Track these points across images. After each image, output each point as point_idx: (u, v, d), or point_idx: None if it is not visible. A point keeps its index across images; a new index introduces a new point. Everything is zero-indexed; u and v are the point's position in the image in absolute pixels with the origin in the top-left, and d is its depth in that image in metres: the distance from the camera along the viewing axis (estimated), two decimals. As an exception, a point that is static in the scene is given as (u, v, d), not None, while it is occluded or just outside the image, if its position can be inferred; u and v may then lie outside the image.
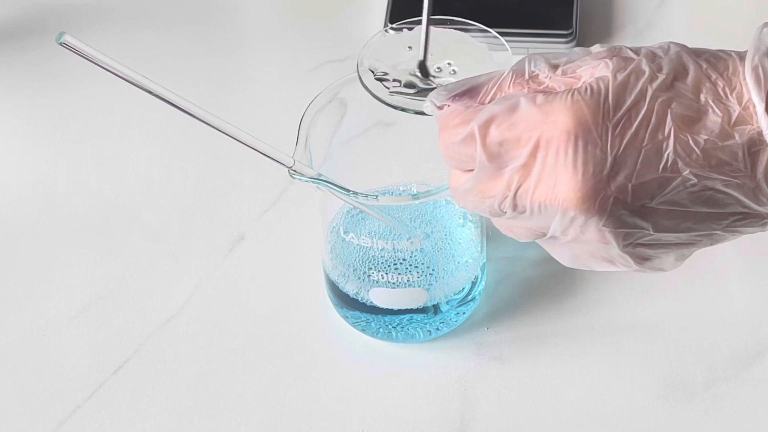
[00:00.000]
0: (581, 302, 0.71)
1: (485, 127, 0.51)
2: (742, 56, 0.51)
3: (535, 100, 0.50)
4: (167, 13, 0.92)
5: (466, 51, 0.61)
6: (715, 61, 0.51)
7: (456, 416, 0.67)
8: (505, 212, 0.52)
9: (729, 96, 0.50)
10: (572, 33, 0.86)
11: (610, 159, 0.49)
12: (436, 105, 0.54)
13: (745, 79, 0.49)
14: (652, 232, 0.51)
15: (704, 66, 0.50)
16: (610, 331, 0.70)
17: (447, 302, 0.69)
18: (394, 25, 0.62)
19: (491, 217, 0.55)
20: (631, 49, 0.51)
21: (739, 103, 0.49)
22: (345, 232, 0.68)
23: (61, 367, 0.70)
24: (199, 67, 0.88)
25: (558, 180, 0.50)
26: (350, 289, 0.68)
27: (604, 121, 0.49)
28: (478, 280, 0.70)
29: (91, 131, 0.84)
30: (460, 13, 0.87)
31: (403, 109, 0.58)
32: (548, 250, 0.55)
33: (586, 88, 0.50)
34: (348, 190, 0.62)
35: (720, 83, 0.50)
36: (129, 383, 0.69)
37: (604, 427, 0.66)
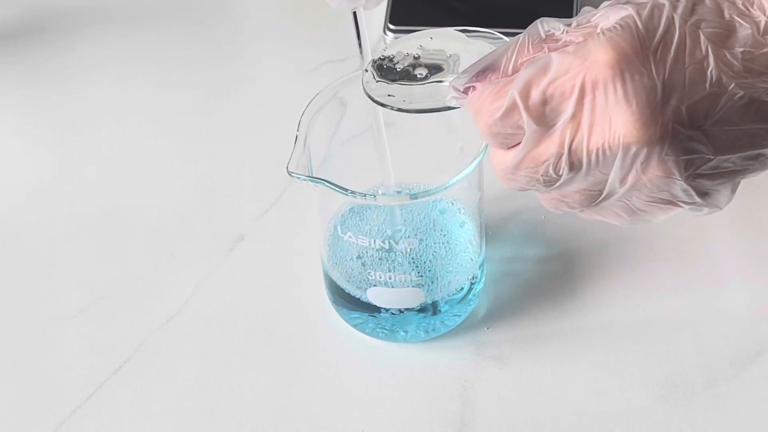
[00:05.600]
0: (581, 302, 0.71)
1: (525, 92, 0.50)
2: None
3: (566, 51, 0.50)
4: (167, 13, 0.92)
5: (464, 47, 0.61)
6: None
7: (456, 416, 0.67)
8: (561, 176, 0.52)
9: (750, 9, 0.51)
10: (572, 33, 0.86)
11: (659, 85, 0.49)
12: (460, 90, 0.53)
13: None
14: (711, 156, 0.50)
15: None
16: (610, 331, 0.70)
17: (446, 302, 0.69)
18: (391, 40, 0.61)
19: (541, 194, 0.54)
20: None
21: (763, 13, 0.50)
22: (343, 232, 0.68)
23: (61, 367, 0.70)
24: (199, 67, 0.88)
25: (612, 118, 0.49)
26: (349, 288, 0.68)
27: (644, 51, 0.49)
28: (477, 279, 0.70)
29: (91, 131, 0.84)
30: (460, 12, 0.88)
31: (405, 110, 0.58)
32: (601, 216, 0.54)
33: (614, 27, 0.50)
34: (346, 190, 0.62)
35: (738, 0, 0.51)
36: (129, 383, 0.69)
37: (604, 427, 0.66)
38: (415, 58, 0.59)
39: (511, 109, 0.51)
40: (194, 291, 0.73)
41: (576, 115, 0.50)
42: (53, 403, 0.68)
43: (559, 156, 0.51)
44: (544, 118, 0.51)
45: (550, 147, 0.51)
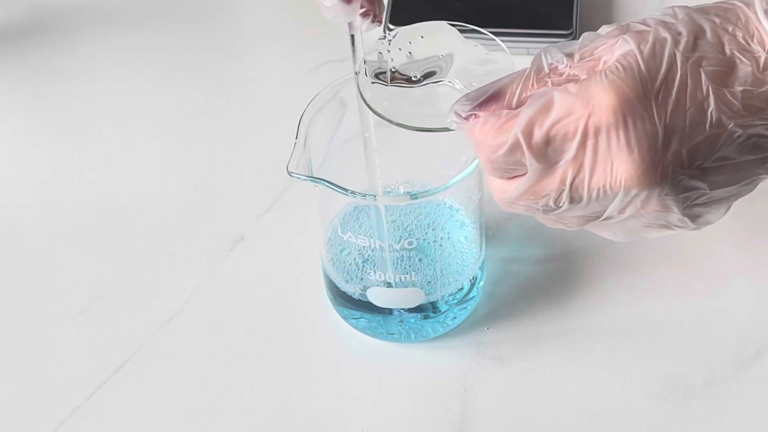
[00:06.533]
0: (581, 302, 0.71)
1: (528, 131, 0.51)
2: (746, 2, 0.52)
3: (568, 91, 0.50)
4: (167, 14, 0.92)
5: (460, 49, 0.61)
6: (725, 13, 0.51)
7: (456, 416, 0.67)
8: (561, 207, 0.52)
9: (751, 43, 0.51)
10: (572, 33, 0.86)
11: (660, 130, 0.49)
12: (462, 116, 0.53)
13: (761, 23, 0.51)
14: (708, 191, 0.51)
15: (717, 21, 0.51)
16: (610, 331, 0.70)
17: (446, 302, 0.68)
18: (388, 35, 0.61)
19: (537, 215, 0.54)
20: (638, 22, 0.52)
21: (763, 48, 0.50)
22: (343, 232, 0.68)
23: (61, 367, 0.70)
24: (200, 67, 0.88)
25: (614, 162, 0.50)
26: (349, 288, 0.68)
27: (645, 94, 0.49)
28: (477, 279, 0.70)
29: (91, 131, 0.84)
30: (460, 12, 0.88)
31: (404, 126, 0.57)
32: (597, 231, 0.55)
33: (617, 66, 0.50)
34: (346, 190, 0.62)
35: (739, 33, 0.51)
36: (129, 383, 0.69)
37: (604, 427, 0.66)
38: (408, 55, 0.59)
39: (514, 147, 0.51)
40: (194, 291, 0.73)
41: (578, 157, 0.50)
42: (53, 403, 0.68)
43: (560, 192, 0.52)
44: (546, 157, 0.51)
45: (551, 183, 0.52)
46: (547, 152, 0.51)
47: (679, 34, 0.51)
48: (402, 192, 0.71)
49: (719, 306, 0.71)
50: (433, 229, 0.69)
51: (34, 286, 0.75)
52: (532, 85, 0.53)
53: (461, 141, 0.68)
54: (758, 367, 0.68)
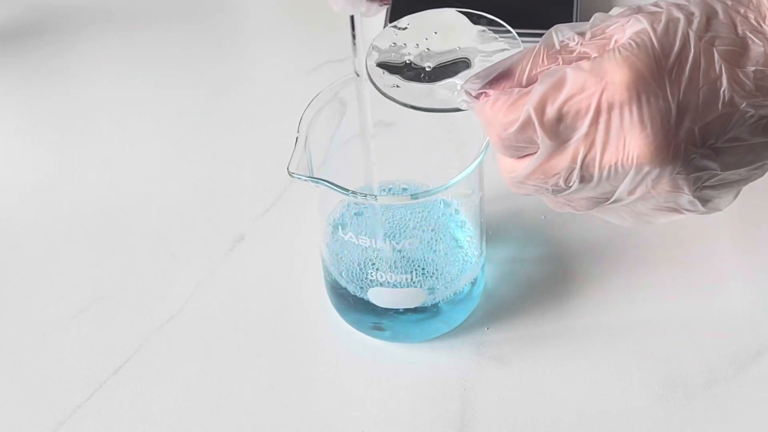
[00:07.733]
0: (581, 302, 0.71)
1: (540, 108, 0.51)
2: None
3: (581, 68, 0.50)
4: (167, 14, 0.92)
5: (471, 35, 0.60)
6: None
7: (456, 416, 0.67)
8: (571, 186, 0.52)
9: (763, 24, 0.51)
10: (572, 33, 0.86)
11: (673, 107, 0.49)
12: (472, 95, 0.53)
13: None
14: (719, 172, 0.51)
15: (729, 2, 0.52)
16: (610, 331, 0.70)
17: (446, 302, 0.68)
18: (395, 24, 0.61)
19: (545, 197, 0.54)
20: (650, 4, 0.52)
21: None
22: (343, 232, 0.68)
23: (61, 367, 0.70)
24: (200, 67, 0.88)
25: (627, 139, 0.50)
26: (349, 288, 0.68)
27: (659, 71, 0.50)
28: (478, 279, 0.70)
29: (91, 131, 0.84)
30: (460, 12, 0.87)
31: (414, 107, 0.57)
32: (605, 215, 0.55)
33: (630, 44, 0.50)
34: (347, 190, 0.62)
35: (750, 15, 0.51)
36: (129, 383, 0.69)
37: (604, 427, 0.66)
38: (427, 50, 0.59)
39: (526, 124, 0.51)
40: (194, 291, 0.73)
41: (590, 133, 0.50)
42: (53, 403, 0.68)
43: (571, 170, 0.51)
44: (558, 134, 0.51)
45: (562, 161, 0.51)
46: (559, 129, 0.51)
47: (692, 14, 0.51)
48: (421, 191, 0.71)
49: (719, 306, 0.71)
50: (433, 230, 0.69)
51: (34, 286, 0.75)
52: (543, 62, 0.52)
53: (462, 140, 0.68)
54: (758, 367, 0.68)
